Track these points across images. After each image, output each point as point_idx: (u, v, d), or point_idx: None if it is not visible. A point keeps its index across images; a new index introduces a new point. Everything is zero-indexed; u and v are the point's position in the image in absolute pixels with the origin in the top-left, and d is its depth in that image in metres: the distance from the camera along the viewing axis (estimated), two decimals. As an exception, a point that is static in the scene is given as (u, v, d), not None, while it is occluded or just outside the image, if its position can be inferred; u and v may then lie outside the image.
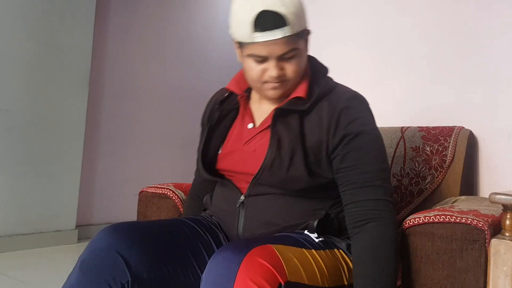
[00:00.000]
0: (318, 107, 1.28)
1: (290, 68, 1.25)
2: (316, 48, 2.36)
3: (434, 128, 1.82)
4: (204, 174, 1.37)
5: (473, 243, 1.16)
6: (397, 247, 1.20)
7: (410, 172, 1.76)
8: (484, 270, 1.15)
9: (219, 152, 1.39)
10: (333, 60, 2.30)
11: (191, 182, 1.69)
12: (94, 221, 3.63)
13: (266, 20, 1.18)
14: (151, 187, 1.79)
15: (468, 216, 1.18)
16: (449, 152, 1.73)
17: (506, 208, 1.17)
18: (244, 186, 1.31)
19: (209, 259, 1.29)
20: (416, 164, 1.75)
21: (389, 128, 1.90)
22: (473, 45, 1.93)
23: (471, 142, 1.79)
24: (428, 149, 1.76)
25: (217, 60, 4.47)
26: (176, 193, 1.73)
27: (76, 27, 3.37)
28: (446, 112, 1.96)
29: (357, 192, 1.22)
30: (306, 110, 1.27)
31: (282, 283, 1.02)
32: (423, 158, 1.75)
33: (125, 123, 3.88)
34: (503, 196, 1.14)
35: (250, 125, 1.36)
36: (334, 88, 1.32)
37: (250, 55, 1.24)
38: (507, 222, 1.16)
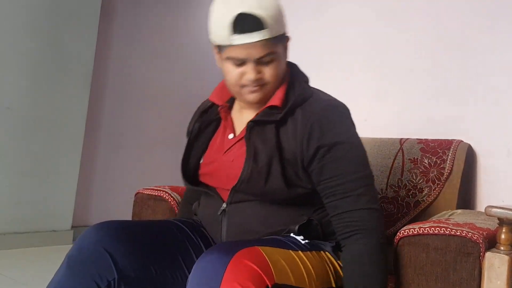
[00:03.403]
0: (294, 117, 1.25)
1: (268, 72, 1.24)
2: (316, 60, 2.38)
3: (433, 140, 1.82)
4: (185, 184, 1.39)
5: (467, 255, 1.15)
6: (383, 256, 1.18)
7: (407, 184, 1.75)
8: (478, 284, 1.15)
9: (201, 161, 1.39)
10: (333, 72, 2.32)
11: (187, 186, 1.69)
12: (90, 222, 3.61)
13: (244, 22, 1.17)
14: (147, 189, 1.79)
15: (463, 229, 1.18)
16: (447, 165, 1.72)
17: (502, 222, 1.16)
18: (225, 194, 1.31)
19: None
20: (414, 176, 1.75)
21: (388, 139, 1.90)
22: (475, 60, 1.93)
23: (470, 156, 1.79)
24: (426, 161, 1.76)
25: (220, 66, 4.48)
26: (172, 195, 1.72)
27: (80, 28, 3.38)
28: (445, 125, 1.96)
29: (338, 204, 1.20)
30: (280, 121, 1.25)
31: (270, 286, 1.01)
32: (421, 170, 1.75)
33: (125, 125, 3.88)
34: (498, 210, 1.13)
35: (231, 136, 1.36)
36: (310, 96, 1.29)
37: (228, 58, 1.24)
38: (503, 236, 1.16)
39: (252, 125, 1.26)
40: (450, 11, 2.02)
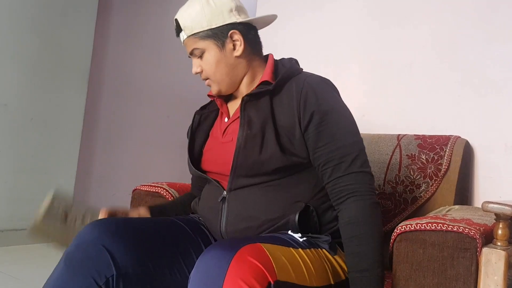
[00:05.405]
0: (287, 87, 1.32)
1: (204, 65, 1.38)
2: (313, 56, 2.37)
3: (431, 136, 1.82)
4: (192, 170, 1.43)
5: (464, 251, 1.15)
6: (378, 219, 1.23)
7: (405, 180, 1.75)
8: (474, 279, 1.15)
9: (203, 149, 1.45)
10: (331, 68, 2.31)
11: (186, 182, 1.69)
12: (88, 219, 3.62)
13: (176, 27, 1.39)
14: (144, 185, 1.79)
15: (460, 225, 1.18)
16: (445, 161, 1.72)
17: (499, 217, 1.16)
18: (226, 181, 1.33)
19: (197, 259, 1.30)
20: (411, 172, 1.75)
21: (386, 135, 1.90)
22: (471, 55, 1.93)
23: (467, 152, 1.79)
24: (423, 157, 1.76)
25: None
26: (170, 191, 1.72)
27: (77, 25, 3.37)
28: (443, 121, 1.96)
29: (336, 168, 1.25)
30: (274, 91, 1.32)
31: (272, 282, 1.01)
32: (418, 166, 1.75)
33: (122, 122, 3.87)
34: (495, 205, 1.14)
35: (226, 119, 1.43)
36: (301, 71, 1.38)
37: None
38: (499, 231, 1.16)
39: (247, 99, 1.33)
40: (446, 6, 2.02)
